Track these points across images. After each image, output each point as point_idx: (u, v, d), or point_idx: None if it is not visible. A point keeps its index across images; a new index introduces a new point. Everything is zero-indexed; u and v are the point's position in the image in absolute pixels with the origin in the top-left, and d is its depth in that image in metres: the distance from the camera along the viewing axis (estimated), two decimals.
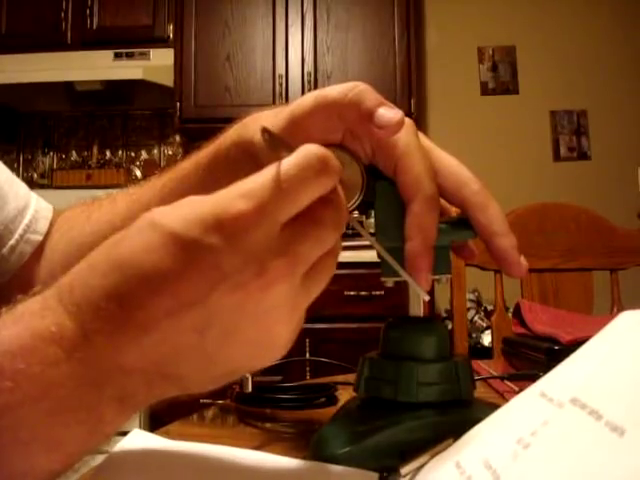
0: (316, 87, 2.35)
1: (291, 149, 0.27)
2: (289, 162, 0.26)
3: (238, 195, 0.25)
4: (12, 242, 0.54)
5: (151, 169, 2.65)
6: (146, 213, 0.26)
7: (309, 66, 2.39)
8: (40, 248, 0.56)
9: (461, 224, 0.37)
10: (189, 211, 0.25)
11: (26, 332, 0.25)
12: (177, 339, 0.26)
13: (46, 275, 0.55)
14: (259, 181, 0.26)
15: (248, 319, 0.26)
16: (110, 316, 0.25)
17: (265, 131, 0.27)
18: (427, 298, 0.36)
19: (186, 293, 0.25)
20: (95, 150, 2.76)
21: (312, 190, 0.26)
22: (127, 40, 2.38)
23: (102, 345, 0.25)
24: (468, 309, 2.08)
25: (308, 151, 0.26)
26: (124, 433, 0.37)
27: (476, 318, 2.18)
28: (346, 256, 1.87)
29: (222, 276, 0.25)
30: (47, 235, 0.57)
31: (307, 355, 1.80)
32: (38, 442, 0.25)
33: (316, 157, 0.26)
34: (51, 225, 0.58)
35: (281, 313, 0.27)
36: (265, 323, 0.27)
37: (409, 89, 2.35)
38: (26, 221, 0.55)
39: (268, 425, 0.48)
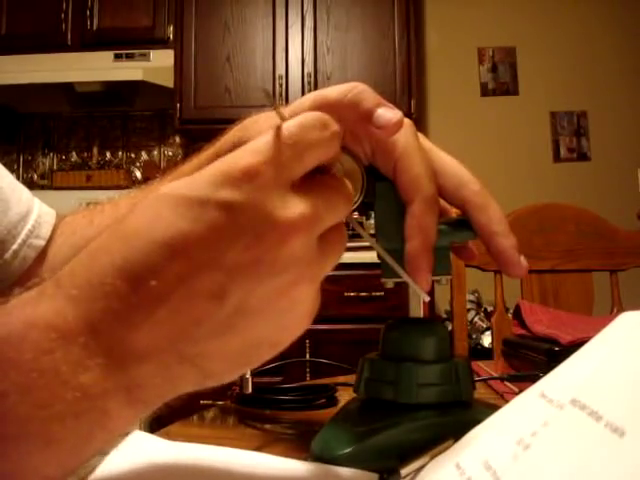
0: (316, 88, 2.35)
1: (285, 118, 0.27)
2: (292, 121, 0.26)
3: (244, 151, 0.25)
4: (15, 247, 0.54)
5: (151, 170, 2.65)
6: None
7: (309, 67, 2.39)
8: (43, 253, 0.56)
9: (461, 225, 0.37)
10: (194, 177, 0.25)
11: (18, 320, 0.24)
12: (193, 308, 0.24)
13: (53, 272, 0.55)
14: (263, 139, 0.25)
15: (266, 278, 0.25)
16: (117, 292, 0.23)
17: (266, 93, 0.27)
18: (427, 299, 0.36)
19: (201, 255, 0.23)
20: (95, 151, 2.76)
21: (316, 148, 0.26)
22: (127, 41, 2.38)
23: (109, 326, 0.23)
24: (468, 310, 2.08)
25: (309, 113, 0.27)
26: (124, 434, 0.37)
27: (476, 319, 2.18)
28: (346, 257, 1.86)
29: (237, 231, 0.24)
30: (50, 240, 0.57)
31: (307, 356, 1.80)
32: (29, 438, 0.23)
33: (316, 117, 0.26)
34: (54, 230, 0.58)
35: (301, 272, 0.26)
36: (284, 282, 0.25)
37: (409, 90, 2.35)
38: (29, 226, 0.55)
39: (268, 426, 0.48)
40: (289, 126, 0.26)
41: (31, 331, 0.23)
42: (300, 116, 0.26)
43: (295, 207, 0.25)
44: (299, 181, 0.26)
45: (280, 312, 0.26)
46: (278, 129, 0.26)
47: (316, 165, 0.27)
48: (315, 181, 0.27)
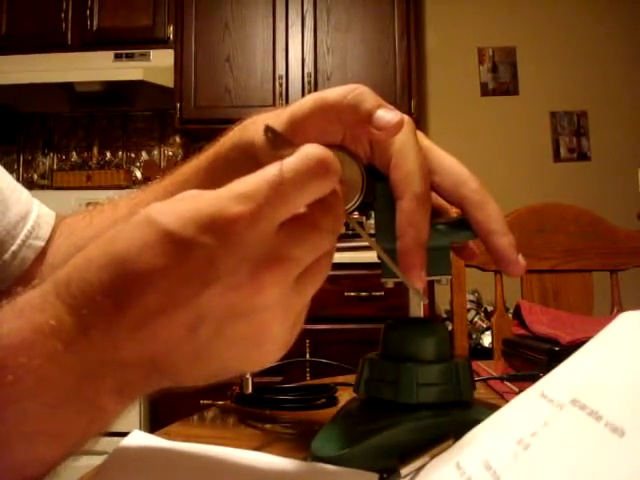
0: (316, 88, 2.35)
1: (293, 147, 0.27)
2: (288, 165, 0.26)
3: (235, 196, 0.25)
4: (14, 248, 0.54)
5: (151, 170, 2.64)
6: (143, 209, 0.26)
7: (309, 67, 2.39)
8: (42, 254, 0.56)
9: (461, 225, 0.36)
10: (185, 210, 0.25)
11: (27, 326, 0.26)
12: (169, 336, 0.26)
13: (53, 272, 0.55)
14: (257, 183, 0.25)
15: (240, 319, 0.26)
16: (105, 311, 0.25)
17: (268, 129, 0.27)
18: (426, 301, 0.36)
19: (178, 291, 0.25)
20: (95, 151, 2.76)
21: (310, 193, 0.26)
22: (127, 41, 2.38)
23: (99, 339, 0.25)
24: (468, 310, 2.08)
25: (308, 153, 0.26)
26: (124, 434, 0.37)
27: (476, 319, 2.18)
28: (346, 257, 1.87)
29: (215, 276, 0.25)
30: (49, 241, 0.57)
31: (307, 356, 1.80)
32: (40, 434, 0.26)
33: (316, 160, 0.26)
34: (53, 231, 0.58)
35: (274, 314, 0.27)
36: (257, 323, 0.27)
37: (409, 90, 2.35)
38: (28, 227, 0.55)
39: (268, 426, 0.48)
40: (286, 170, 0.26)
41: (39, 338, 0.25)
42: (300, 155, 0.26)
43: (274, 258, 0.26)
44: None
45: (251, 346, 0.28)
46: (275, 177, 0.25)
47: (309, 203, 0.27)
48: (302, 220, 0.27)
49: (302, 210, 0.27)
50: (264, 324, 0.27)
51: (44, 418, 0.26)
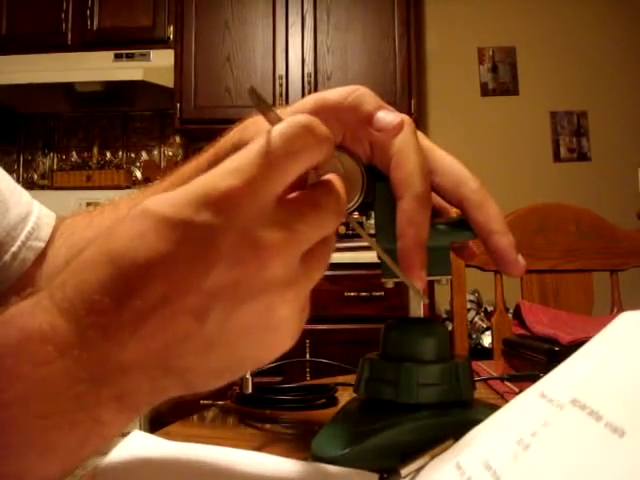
0: (316, 88, 2.35)
1: (277, 117, 0.26)
2: (275, 132, 0.25)
3: (226, 172, 0.25)
4: (14, 249, 0.54)
5: (151, 170, 2.64)
6: (138, 205, 0.25)
7: (309, 67, 2.39)
8: (42, 255, 0.56)
9: (461, 225, 0.37)
10: (178, 194, 0.25)
11: (15, 331, 0.24)
12: (176, 327, 0.24)
13: (48, 281, 0.55)
14: (246, 156, 0.25)
15: (249, 300, 0.25)
16: (104, 309, 0.24)
17: (253, 92, 0.27)
18: (426, 301, 0.36)
19: (181, 276, 0.24)
20: (95, 151, 2.76)
21: (302, 159, 0.26)
22: (127, 41, 2.38)
23: (98, 340, 0.24)
24: (468, 310, 2.08)
25: (294, 119, 0.26)
26: (124, 434, 0.37)
27: (476, 319, 2.18)
28: (346, 257, 1.87)
29: (218, 255, 0.24)
30: (49, 242, 0.57)
31: (307, 356, 1.80)
32: (30, 445, 0.24)
33: (302, 126, 0.26)
34: (53, 232, 0.58)
35: (282, 295, 0.26)
36: (267, 305, 0.26)
37: (409, 90, 2.35)
38: (28, 228, 0.55)
39: (268, 426, 0.48)
40: (273, 139, 0.25)
41: (28, 343, 0.24)
42: (284, 124, 0.26)
43: (277, 230, 0.25)
44: (286, 190, 0.26)
45: (262, 331, 0.26)
46: (263, 147, 0.25)
47: (304, 172, 0.26)
48: (302, 196, 0.26)
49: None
50: (274, 306, 0.26)
51: (33, 428, 0.24)
